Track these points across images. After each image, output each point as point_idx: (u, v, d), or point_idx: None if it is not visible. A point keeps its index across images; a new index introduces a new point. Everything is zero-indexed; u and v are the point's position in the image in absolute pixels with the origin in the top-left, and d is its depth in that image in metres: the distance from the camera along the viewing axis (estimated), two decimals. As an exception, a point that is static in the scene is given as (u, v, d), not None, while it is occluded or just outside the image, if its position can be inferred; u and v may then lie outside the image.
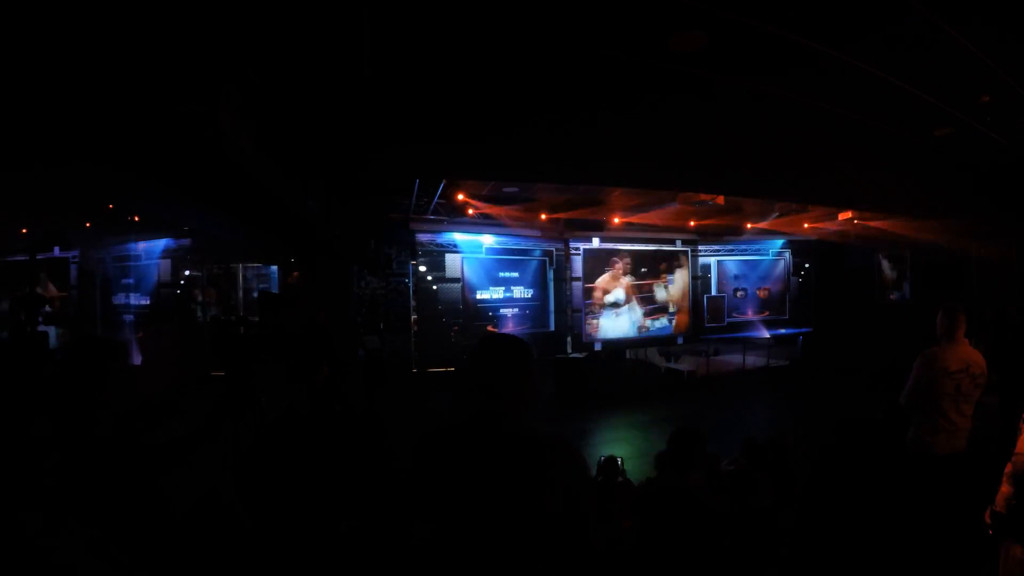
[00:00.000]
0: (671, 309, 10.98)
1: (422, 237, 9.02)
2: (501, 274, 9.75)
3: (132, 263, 10.29)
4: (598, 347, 10.28)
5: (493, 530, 1.37)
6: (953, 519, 2.72)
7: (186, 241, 9.76)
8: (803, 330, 12.00)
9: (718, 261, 11.64)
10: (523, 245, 9.94)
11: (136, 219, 8.88)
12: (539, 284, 10.10)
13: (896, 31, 3.46)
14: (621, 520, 3.77)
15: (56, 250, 10.20)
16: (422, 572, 1.47)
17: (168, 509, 1.75)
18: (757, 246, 11.78)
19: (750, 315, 11.82)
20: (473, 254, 9.43)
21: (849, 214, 10.13)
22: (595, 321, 10.12)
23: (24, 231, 8.89)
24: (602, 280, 10.39)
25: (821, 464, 4.00)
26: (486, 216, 9.45)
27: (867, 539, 3.12)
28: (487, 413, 1.47)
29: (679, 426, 2.68)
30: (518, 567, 1.36)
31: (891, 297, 10.86)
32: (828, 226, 11.28)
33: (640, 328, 10.72)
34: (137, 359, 9.99)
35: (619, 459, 3.97)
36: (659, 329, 10.84)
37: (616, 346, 10.66)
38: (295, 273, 7.78)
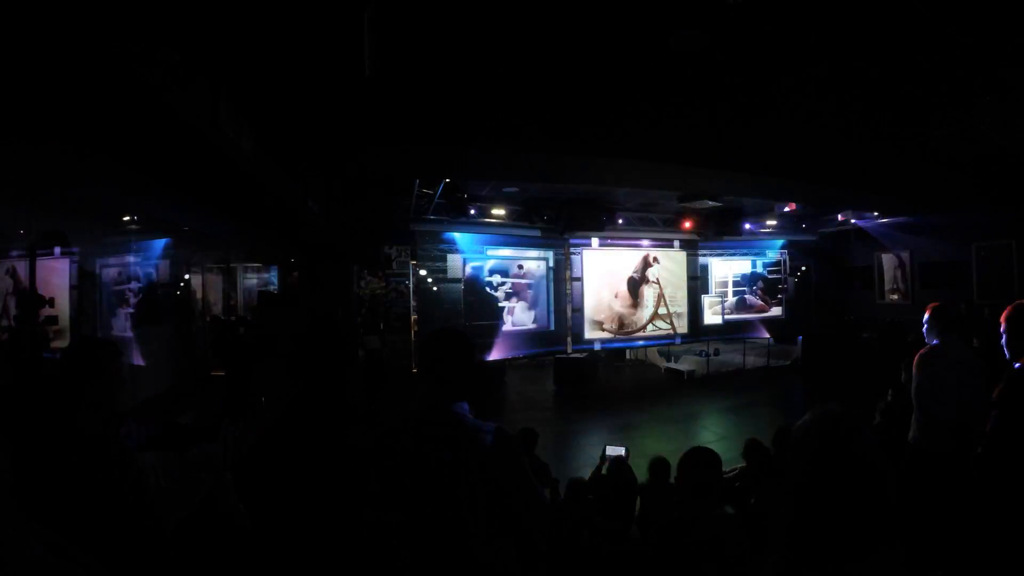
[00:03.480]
0: (670, 309, 10.98)
1: (422, 237, 9.02)
2: (501, 273, 9.75)
3: (132, 263, 10.27)
4: (598, 347, 10.28)
5: (433, 513, 1.47)
6: (959, 515, 2.71)
7: (185, 241, 9.73)
8: (803, 330, 11.98)
9: (716, 261, 11.63)
10: (524, 244, 9.94)
11: (136, 219, 8.86)
12: (540, 283, 10.09)
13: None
14: (625, 519, 3.76)
15: (57, 250, 10.17)
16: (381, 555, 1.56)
17: (153, 513, 1.74)
18: (756, 246, 11.76)
19: (749, 315, 11.81)
20: (473, 253, 9.43)
21: (849, 213, 10.13)
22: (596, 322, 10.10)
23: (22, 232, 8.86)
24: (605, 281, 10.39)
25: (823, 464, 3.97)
26: (487, 215, 9.45)
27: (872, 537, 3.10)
28: (431, 403, 1.58)
29: (692, 448, 2.26)
30: (459, 547, 1.45)
31: (892, 297, 10.85)
32: (828, 227, 11.30)
33: (640, 328, 10.72)
34: (137, 359, 9.97)
35: (626, 459, 3.97)
36: (658, 329, 10.84)
37: (616, 346, 10.66)
38: (295, 273, 7.76)
